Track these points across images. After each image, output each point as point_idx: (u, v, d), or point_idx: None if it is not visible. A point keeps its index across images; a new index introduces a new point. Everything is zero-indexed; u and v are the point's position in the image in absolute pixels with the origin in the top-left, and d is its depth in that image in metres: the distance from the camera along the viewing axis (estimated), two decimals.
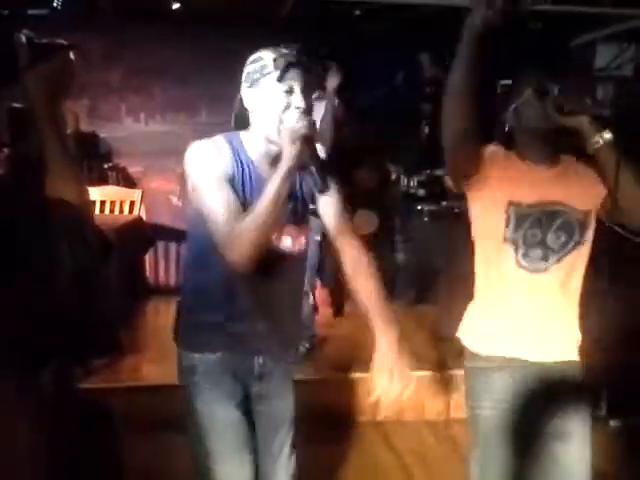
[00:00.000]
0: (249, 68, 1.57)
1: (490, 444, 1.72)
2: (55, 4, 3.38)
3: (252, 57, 1.58)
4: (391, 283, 4.03)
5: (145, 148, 4.86)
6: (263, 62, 1.53)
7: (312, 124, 1.47)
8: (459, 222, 3.60)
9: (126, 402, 3.04)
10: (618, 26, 4.33)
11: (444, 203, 3.71)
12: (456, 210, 3.70)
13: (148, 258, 4.94)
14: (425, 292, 4.27)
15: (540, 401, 1.70)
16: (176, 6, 4.17)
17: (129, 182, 4.80)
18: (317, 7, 3.87)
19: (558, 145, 1.71)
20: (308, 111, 1.51)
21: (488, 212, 1.72)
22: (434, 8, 3.78)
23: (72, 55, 1.27)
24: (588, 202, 1.69)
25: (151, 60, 4.67)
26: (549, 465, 1.71)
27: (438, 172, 3.95)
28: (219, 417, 1.64)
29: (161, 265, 5.02)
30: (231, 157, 1.55)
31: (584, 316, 1.75)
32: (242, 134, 1.60)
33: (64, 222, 1.11)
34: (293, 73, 1.50)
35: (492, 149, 1.74)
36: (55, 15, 3.64)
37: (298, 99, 1.50)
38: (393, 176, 4.44)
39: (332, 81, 3.71)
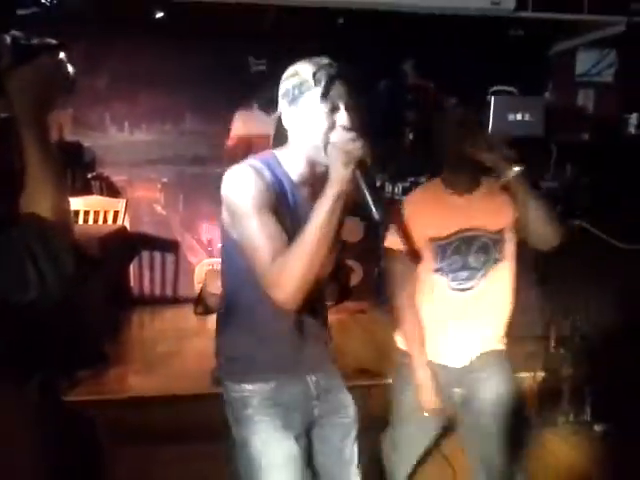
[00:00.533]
0: (286, 84, 1.43)
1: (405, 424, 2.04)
2: (36, 10, 3.35)
3: (288, 71, 1.44)
4: (378, 289, 4.04)
5: (129, 157, 4.83)
6: (301, 77, 1.39)
7: (366, 145, 1.32)
8: None
9: (112, 414, 3.01)
10: (597, 33, 4.39)
11: None
12: None
13: (133, 268, 4.91)
14: None
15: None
16: (160, 15, 4.15)
17: (113, 191, 4.76)
18: (300, 17, 3.88)
19: (476, 173, 1.91)
20: (355, 129, 1.37)
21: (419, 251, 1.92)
22: (418, 16, 3.82)
23: (63, 56, 1.18)
24: (500, 222, 1.90)
25: (135, 69, 4.65)
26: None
27: (422, 179, 3.98)
28: (277, 450, 1.54)
29: (146, 275, 4.98)
30: (271, 181, 1.41)
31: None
32: (279, 154, 1.48)
33: (43, 236, 1.02)
34: (336, 88, 1.37)
35: (412, 197, 2.04)
36: (37, 23, 3.62)
37: (344, 117, 1.37)
38: (378, 183, 4.45)
39: None
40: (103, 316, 3.51)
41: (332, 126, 1.37)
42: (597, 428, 3.11)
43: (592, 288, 3.19)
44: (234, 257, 1.47)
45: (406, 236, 1.85)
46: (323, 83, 1.36)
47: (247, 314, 1.54)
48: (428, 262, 1.92)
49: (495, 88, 3.79)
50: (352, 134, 1.34)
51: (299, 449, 1.55)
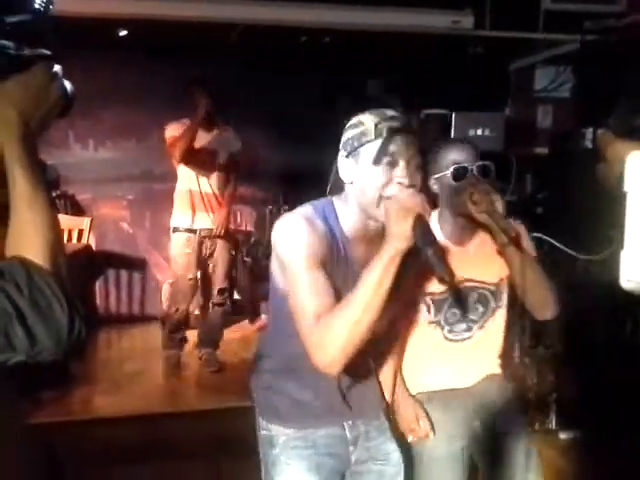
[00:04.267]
0: (348, 134, 1.38)
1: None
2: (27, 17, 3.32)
3: (352, 121, 1.39)
4: None
5: (94, 175, 4.80)
6: (363, 128, 1.34)
7: (424, 201, 1.24)
8: None
9: (78, 435, 2.97)
10: (553, 50, 4.53)
11: None
12: None
13: (99, 286, 4.85)
14: None
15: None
16: (123, 33, 4.15)
17: (78, 210, 4.72)
18: (265, 34, 3.92)
19: (472, 225, 1.75)
20: (413, 186, 1.31)
21: (410, 302, 1.81)
22: (380, 35, 3.90)
23: (58, 69, 1.07)
24: (500, 273, 1.82)
25: (99, 86, 4.63)
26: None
27: None
28: None
29: (112, 293, 4.93)
30: (323, 232, 1.35)
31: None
32: (336, 203, 1.42)
33: (33, 286, 0.82)
34: (397, 142, 1.30)
35: None
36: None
37: (402, 172, 1.30)
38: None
39: None
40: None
41: (389, 181, 1.30)
42: (563, 436, 3.17)
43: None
44: (281, 304, 1.39)
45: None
46: (385, 135, 1.30)
47: (289, 360, 1.47)
48: (422, 314, 1.83)
49: (428, 112, 3.87)
50: (411, 190, 1.29)
51: None
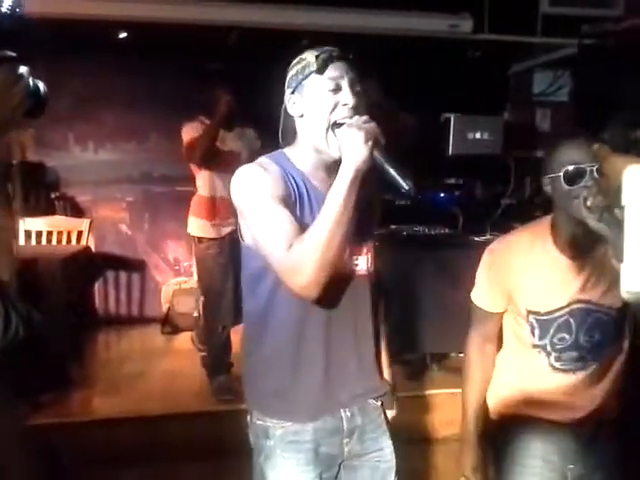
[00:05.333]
0: (292, 71, 1.42)
1: None
2: None
3: (294, 61, 1.43)
4: None
5: (94, 177, 4.80)
6: (305, 62, 1.39)
7: (377, 128, 1.28)
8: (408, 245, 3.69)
9: (77, 437, 2.97)
10: (551, 54, 4.55)
11: (393, 227, 3.78)
12: (404, 233, 3.78)
13: (98, 288, 4.86)
14: None
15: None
16: (123, 35, 4.17)
17: (77, 211, 4.73)
18: (262, 37, 3.93)
19: (592, 236, 1.39)
20: (358, 110, 1.34)
21: (513, 320, 1.66)
22: (379, 38, 3.91)
23: (24, 70, 1.06)
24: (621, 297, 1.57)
25: (99, 88, 4.64)
26: None
27: (387, 196, 4.04)
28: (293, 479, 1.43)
29: (111, 295, 4.93)
30: (281, 175, 1.37)
31: None
32: (287, 151, 1.45)
33: None
34: (337, 67, 1.35)
35: (502, 249, 1.66)
36: None
37: (346, 95, 1.34)
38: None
39: None
40: (67, 337, 3.46)
41: (336, 105, 1.34)
42: None
43: None
44: (260, 279, 1.41)
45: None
46: (324, 62, 1.35)
47: (274, 344, 1.44)
48: (524, 334, 1.62)
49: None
50: (365, 117, 1.30)
51: None
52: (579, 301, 1.56)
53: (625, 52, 3.96)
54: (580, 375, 1.59)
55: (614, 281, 1.39)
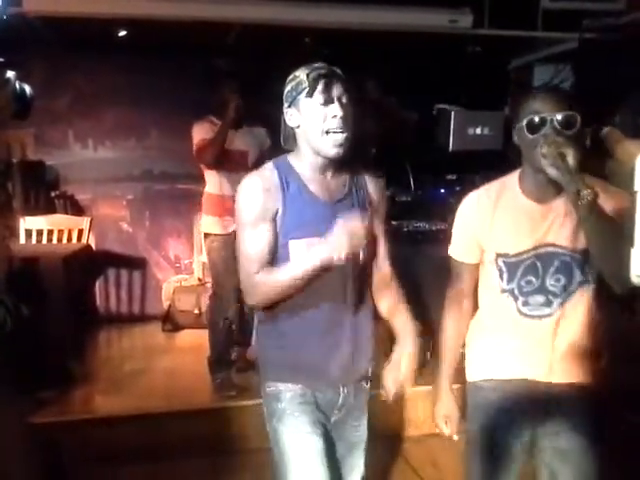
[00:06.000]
0: (287, 88, 1.63)
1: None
2: None
3: (289, 77, 1.63)
4: None
5: (94, 175, 4.79)
6: (298, 79, 1.59)
7: (363, 239, 1.55)
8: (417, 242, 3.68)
9: (79, 435, 2.97)
10: (552, 49, 4.53)
11: (393, 223, 3.78)
12: (404, 229, 3.78)
13: (99, 286, 4.86)
14: None
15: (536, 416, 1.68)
16: (123, 33, 4.16)
17: (77, 210, 4.72)
18: (265, 35, 3.92)
19: (552, 183, 1.52)
20: (346, 118, 1.56)
21: (483, 265, 1.73)
22: (380, 34, 3.90)
23: (11, 75, 1.12)
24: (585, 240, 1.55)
25: (99, 86, 4.64)
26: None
27: (387, 192, 4.04)
28: (305, 443, 1.65)
29: (112, 293, 4.93)
30: (276, 183, 1.60)
31: None
32: (290, 156, 1.67)
33: None
34: (326, 84, 1.56)
35: (473, 199, 1.73)
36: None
37: (335, 108, 1.55)
38: None
39: None
40: (68, 335, 3.46)
41: (326, 116, 1.56)
42: None
43: None
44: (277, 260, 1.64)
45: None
46: (314, 80, 1.56)
47: (282, 322, 1.67)
48: (494, 280, 1.67)
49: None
50: (357, 225, 1.52)
51: (324, 445, 1.66)
52: (546, 244, 1.60)
53: (626, 46, 3.95)
54: (546, 322, 1.62)
55: (578, 224, 1.53)
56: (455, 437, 1.79)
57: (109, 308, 4.92)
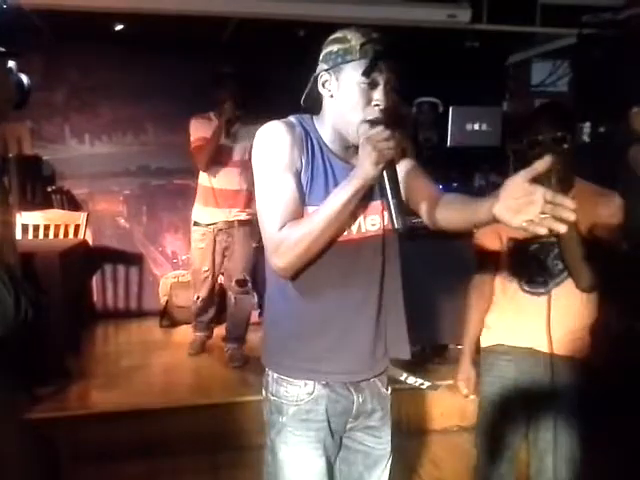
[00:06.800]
0: (331, 47, 1.38)
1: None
2: None
3: (335, 34, 1.39)
4: None
5: (90, 170, 4.77)
6: (349, 45, 1.34)
7: (398, 144, 1.29)
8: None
9: (75, 431, 2.97)
10: (550, 44, 4.52)
11: None
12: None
13: (96, 282, 4.84)
14: None
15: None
16: (119, 27, 4.13)
17: (74, 205, 4.70)
18: (260, 29, 3.90)
19: (568, 176, 1.82)
20: (388, 109, 1.33)
21: (502, 255, 1.96)
22: (376, 28, 3.88)
23: (12, 64, 1.09)
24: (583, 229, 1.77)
25: (95, 81, 4.62)
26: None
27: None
28: (305, 465, 1.47)
29: (109, 288, 4.92)
30: (301, 138, 1.38)
31: None
32: (315, 118, 1.44)
33: None
34: (380, 65, 1.32)
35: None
36: None
37: (380, 95, 1.33)
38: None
39: None
40: (65, 331, 3.45)
41: (368, 102, 1.33)
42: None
43: None
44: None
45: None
46: (370, 57, 1.31)
47: (300, 304, 1.45)
48: (506, 264, 1.94)
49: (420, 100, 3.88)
50: (387, 133, 1.26)
51: (327, 464, 1.49)
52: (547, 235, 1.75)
53: (625, 42, 3.94)
54: (543, 300, 1.86)
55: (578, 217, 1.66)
56: (472, 397, 2.07)
57: (106, 304, 4.91)
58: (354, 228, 1.41)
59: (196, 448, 3.00)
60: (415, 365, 3.54)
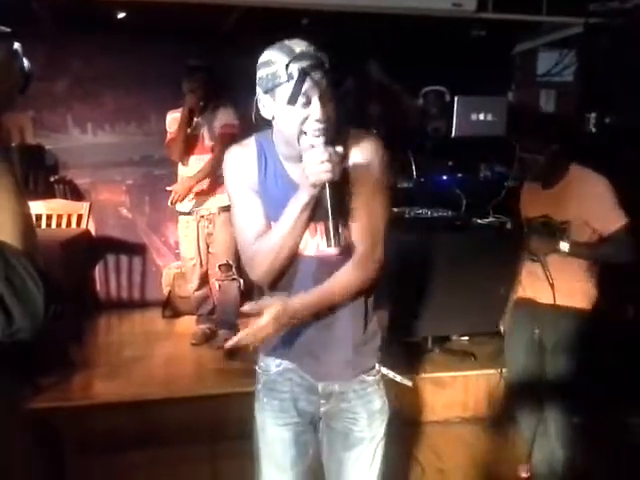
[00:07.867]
0: (261, 72, 1.40)
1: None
2: None
3: (263, 57, 1.40)
4: None
5: (93, 159, 4.76)
6: (275, 68, 1.35)
7: (336, 166, 1.32)
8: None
9: (78, 421, 2.97)
10: (557, 34, 4.48)
11: (395, 209, 3.75)
12: (406, 216, 3.74)
13: (99, 272, 4.84)
14: None
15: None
16: (122, 15, 4.10)
17: (77, 194, 4.69)
18: (263, 18, 3.86)
19: (559, 169, 2.43)
20: (328, 120, 1.37)
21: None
22: (381, 17, 3.84)
23: (18, 46, 1.04)
24: (567, 215, 2.39)
25: (98, 70, 4.59)
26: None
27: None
28: (268, 430, 1.65)
29: (112, 279, 4.91)
30: (257, 158, 1.50)
31: None
32: (272, 132, 1.50)
33: (7, 266, 0.86)
34: (308, 82, 1.33)
35: (525, 188, 2.73)
36: None
37: (316, 110, 1.35)
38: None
39: None
40: (67, 321, 3.44)
41: (305, 118, 1.36)
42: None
43: None
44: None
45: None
46: (295, 79, 1.33)
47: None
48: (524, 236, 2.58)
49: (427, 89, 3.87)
50: (324, 155, 1.31)
51: (294, 436, 1.64)
52: (542, 216, 2.51)
53: (631, 31, 3.90)
54: (539, 264, 2.50)
55: (562, 204, 2.41)
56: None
57: (109, 294, 4.90)
58: (311, 246, 1.50)
59: (198, 438, 3.01)
60: (418, 356, 3.55)
